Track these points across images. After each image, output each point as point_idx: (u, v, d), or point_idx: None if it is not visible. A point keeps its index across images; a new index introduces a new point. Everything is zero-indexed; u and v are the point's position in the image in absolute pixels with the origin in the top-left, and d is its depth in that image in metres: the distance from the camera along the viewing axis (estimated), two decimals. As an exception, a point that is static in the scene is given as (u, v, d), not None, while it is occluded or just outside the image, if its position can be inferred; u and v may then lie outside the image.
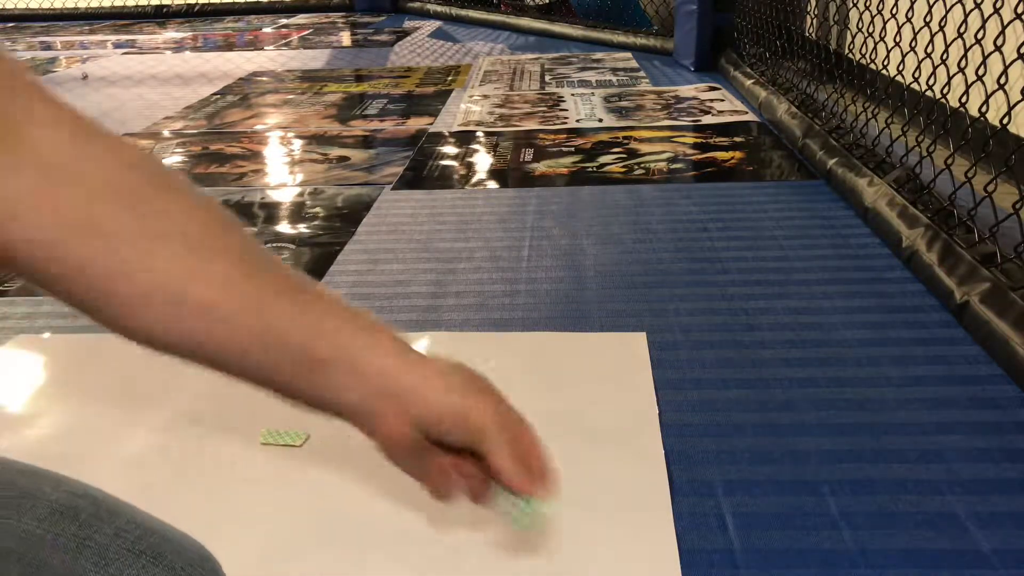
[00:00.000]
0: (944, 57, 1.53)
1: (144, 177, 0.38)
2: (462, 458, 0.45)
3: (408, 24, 4.77)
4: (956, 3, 1.48)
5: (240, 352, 0.39)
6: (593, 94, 2.82)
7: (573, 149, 2.20)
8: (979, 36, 1.37)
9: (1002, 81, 1.29)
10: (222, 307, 0.38)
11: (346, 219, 1.76)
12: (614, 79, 3.05)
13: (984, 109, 1.38)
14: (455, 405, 0.42)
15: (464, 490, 0.46)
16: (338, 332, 0.40)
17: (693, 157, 2.10)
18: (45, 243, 0.36)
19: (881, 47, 1.84)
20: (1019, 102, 1.26)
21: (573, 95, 2.81)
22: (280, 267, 0.41)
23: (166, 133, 2.52)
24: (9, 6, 5.66)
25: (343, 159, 2.19)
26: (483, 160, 2.14)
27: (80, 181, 0.36)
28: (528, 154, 2.17)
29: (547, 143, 2.26)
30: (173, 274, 0.37)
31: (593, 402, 1.08)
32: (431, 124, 2.51)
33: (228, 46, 4.24)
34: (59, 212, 0.36)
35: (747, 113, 2.47)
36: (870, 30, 1.92)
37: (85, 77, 3.48)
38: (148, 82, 3.34)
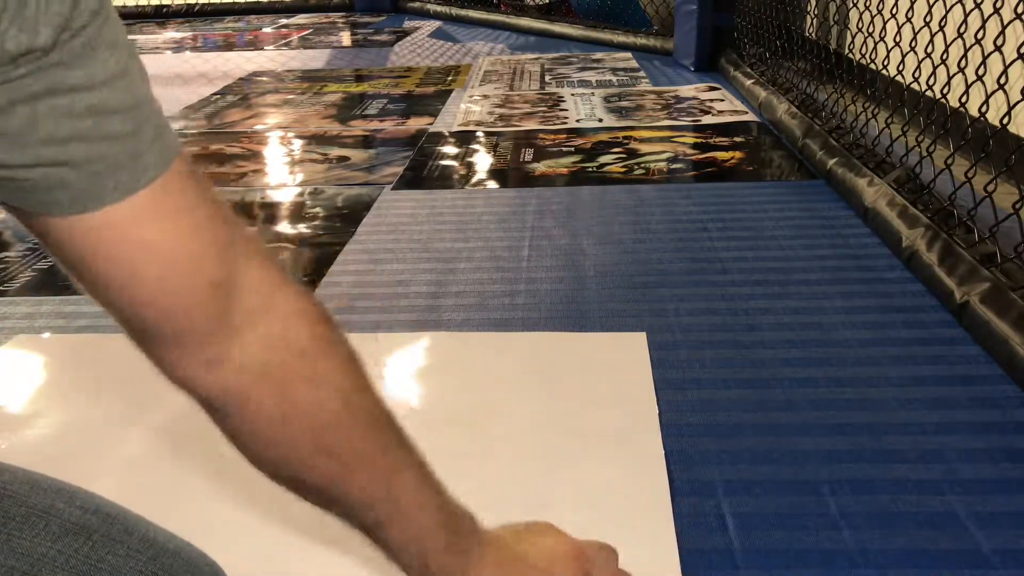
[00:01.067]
0: (944, 57, 1.53)
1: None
2: None
3: (408, 24, 4.77)
4: (956, 3, 1.48)
5: (349, 510, 0.48)
6: (593, 94, 2.82)
7: (573, 149, 2.20)
8: (979, 36, 1.37)
9: (1002, 81, 1.29)
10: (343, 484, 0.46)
11: (346, 219, 1.76)
12: (614, 79, 3.05)
13: (984, 109, 1.38)
14: None
15: None
16: (422, 541, 0.49)
17: (693, 157, 2.10)
18: None
19: (881, 47, 1.84)
20: (1019, 102, 1.26)
21: (573, 95, 2.81)
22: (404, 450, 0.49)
23: (166, 133, 2.52)
24: (9, 6, 5.65)
25: (343, 159, 2.19)
26: (483, 160, 2.14)
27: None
28: (528, 154, 2.17)
29: (547, 143, 2.26)
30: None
31: (593, 402, 1.08)
32: (431, 124, 2.51)
33: (228, 46, 4.24)
34: None
35: (747, 113, 2.47)
36: (870, 30, 1.92)
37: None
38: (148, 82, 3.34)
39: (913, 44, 1.64)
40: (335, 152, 2.26)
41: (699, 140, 2.24)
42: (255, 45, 4.24)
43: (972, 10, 1.43)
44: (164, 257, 0.38)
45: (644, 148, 2.18)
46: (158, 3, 5.49)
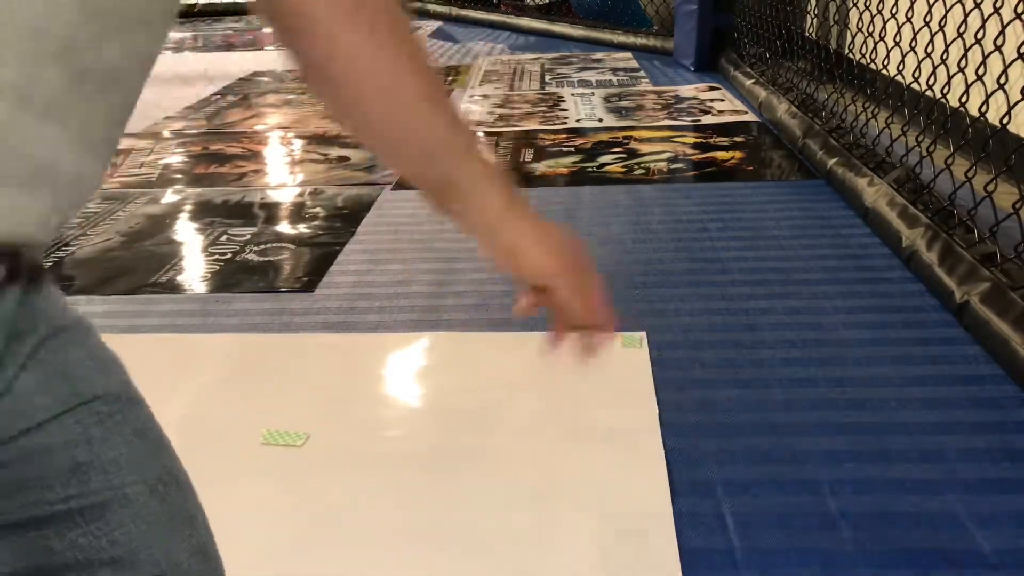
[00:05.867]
0: (944, 57, 1.53)
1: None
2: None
3: (408, 24, 4.77)
4: (956, 3, 1.48)
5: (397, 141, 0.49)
6: (593, 94, 2.82)
7: (573, 149, 2.20)
8: (979, 36, 1.37)
9: (1002, 81, 1.29)
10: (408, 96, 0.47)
11: (346, 219, 1.76)
12: (614, 79, 3.05)
13: (984, 109, 1.38)
14: (541, 266, 0.57)
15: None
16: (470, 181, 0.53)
17: (693, 157, 2.10)
18: None
19: (881, 47, 1.84)
20: (1019, 102, 1.26)
21: (573, 95, 2.81)
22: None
23: (166, 133, 2.52)
24: (9, 6, 5.66)
25: (343, 159, 2.19)
26: (483, 160, 2.14)
27: None
28: (528, 154, 2.17)
29: (547, 143, 2.26)
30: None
31: (593, 402, 1.08)
32: (431, 124, 2.51)
33: (228, 46, 4.24)
34: None
35: (747, 113, 2.47)
36: (870, 30, 1.92)
37: (85, 77, 3.48)
38: (148, 82, 3.34)
39: (913, 44, 1.64)
40: (335, 152, 2.26)
41: (699, 140, 2.24)
42: (256, 45, 4.24)
43: (972, 10, 1.43)
44: None
45: (644, 148, 2.18)
46: (158, 3, 5.48)
